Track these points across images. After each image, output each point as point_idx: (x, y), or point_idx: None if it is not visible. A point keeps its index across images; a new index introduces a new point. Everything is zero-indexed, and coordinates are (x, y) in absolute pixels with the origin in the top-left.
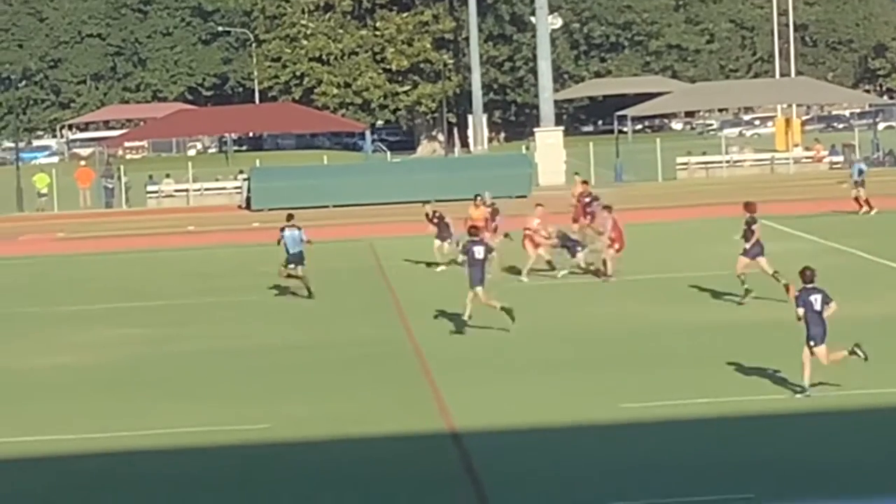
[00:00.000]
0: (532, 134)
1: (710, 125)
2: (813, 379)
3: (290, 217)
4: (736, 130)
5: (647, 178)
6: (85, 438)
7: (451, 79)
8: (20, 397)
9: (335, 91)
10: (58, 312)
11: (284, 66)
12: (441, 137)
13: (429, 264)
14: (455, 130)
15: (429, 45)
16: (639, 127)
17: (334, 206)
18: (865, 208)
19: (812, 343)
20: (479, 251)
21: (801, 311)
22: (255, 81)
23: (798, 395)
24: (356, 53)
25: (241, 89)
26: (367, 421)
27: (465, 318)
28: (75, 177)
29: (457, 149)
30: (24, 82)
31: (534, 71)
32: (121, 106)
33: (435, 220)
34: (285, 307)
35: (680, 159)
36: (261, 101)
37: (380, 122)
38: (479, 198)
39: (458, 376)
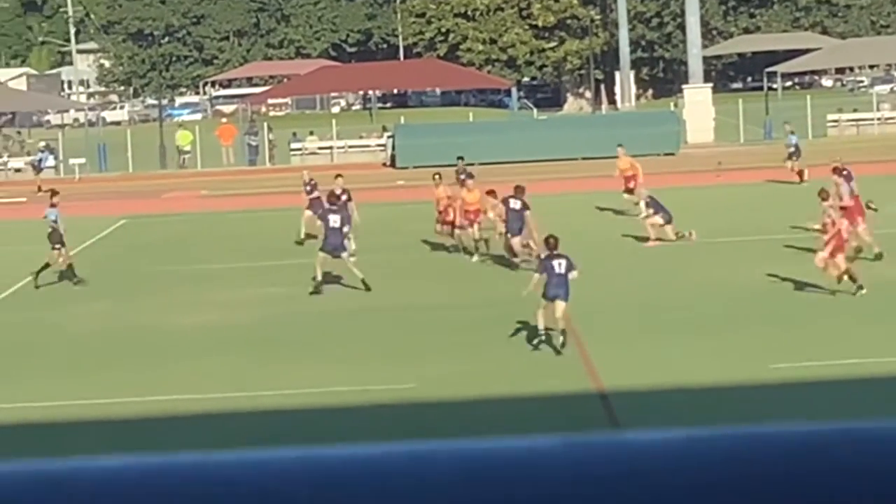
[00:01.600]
0: (680, 91)
1: (861, 82)
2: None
3: (53, 194)
4: (887, 87)
5: (797, 135)
6: (227, 398)
7: (598, 35)
8: (163, 356)
9: (480, 47)
10: (201, 270)
11: (429, 22)
12: (588, 94)
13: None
14: (602, 87)
15: (576, 1)
16: (788, 84)
17: (480, 164)
18: (797, 179)
19: (552, 299)
20: (334, 220)
21: (541, 275)
22: (400, 38)
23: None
24: (502, 9)
25: (385, 46)
26: (513, 380)
27: (316, 278)
28: (217, 134)
29: (604, 106)
30: (166, 39)
31: (682, 27)
32: (264, 62)
33: (309, 190)
34: (430, 265)
35: (830, 116)
36: (405, 57)
37: (525, 79)
38: (437, 176)
39: (606, 335)
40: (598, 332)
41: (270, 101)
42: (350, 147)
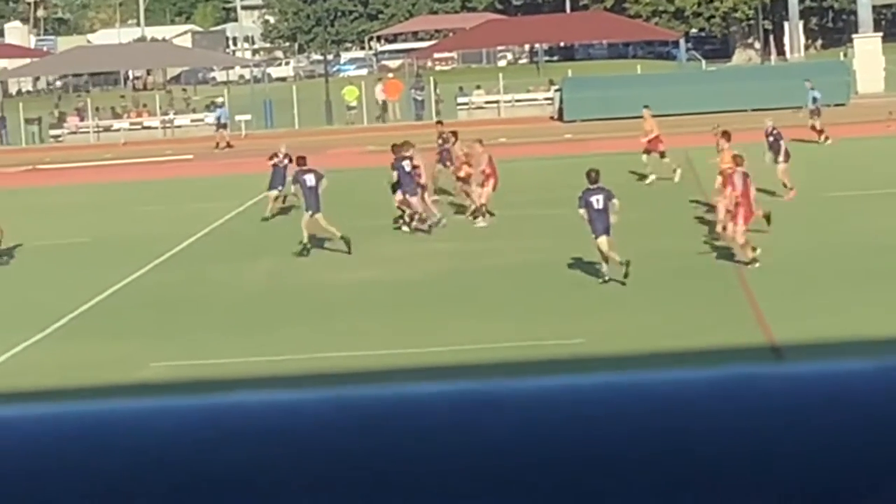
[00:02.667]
0: (850, 41)
1: None
2: None
3: None
4: None
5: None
6: (395, 354)
7: None
8: (330, 313)
9: None
10: (366, 226)
11: None
12: (757, 45)
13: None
14: (771, 38)
15: None
16: None
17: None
18: (821, 138)
19: (595, 236)
20: (309, 179)
21: (582, 211)
22: None
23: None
24: None
25: None
26: (683, 334)
27: (303, 241)
28: (383, 89)
29: (773, 57)
30: None
31: None
32: (429, 16)
33: (276, 163)
34: None
35: None
36: (571, 9)
37: (693, 30)
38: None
39: (778, 288)
40: (769, 283)
41: (436, 55)
42: (517, 101)
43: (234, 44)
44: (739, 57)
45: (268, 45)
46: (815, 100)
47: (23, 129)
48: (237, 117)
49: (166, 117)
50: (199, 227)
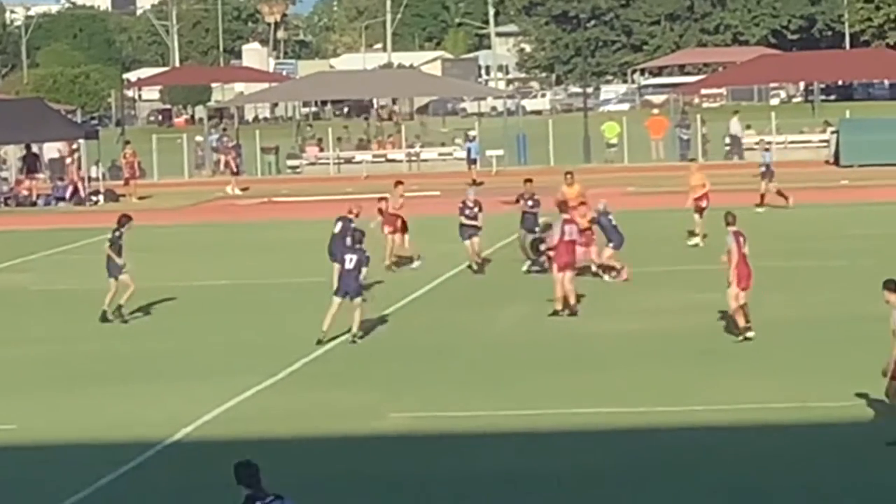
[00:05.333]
0: None
1: None
2: None
3: None
4: None
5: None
6: (653, 412)
7: None
8: (579, 364)
9: None
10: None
11: (878, 8)
12: None
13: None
14: None
15: None
16: None
17: None
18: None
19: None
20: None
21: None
22: (846, 24)
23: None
24: None
25: (829, 33)
26: None
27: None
28: (647, 126)
29: None
30: (592, 22)
31: None
32: (698, 49)
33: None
34: (872, 273)
35: None
36: (851, 45)
37: None
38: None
39: None
40: None
41: (704, 91)
42: (790, 143)
43: (487, 73)
44: None
45: (523, 75)
46: (766, 162)
47: (258, 158)
48: (488, 152)
49: (412, 150)
50: (445, 269)
